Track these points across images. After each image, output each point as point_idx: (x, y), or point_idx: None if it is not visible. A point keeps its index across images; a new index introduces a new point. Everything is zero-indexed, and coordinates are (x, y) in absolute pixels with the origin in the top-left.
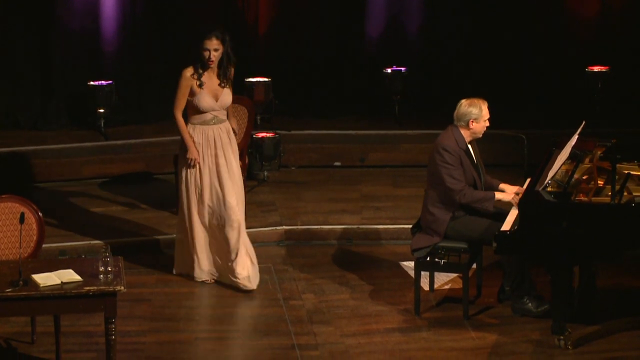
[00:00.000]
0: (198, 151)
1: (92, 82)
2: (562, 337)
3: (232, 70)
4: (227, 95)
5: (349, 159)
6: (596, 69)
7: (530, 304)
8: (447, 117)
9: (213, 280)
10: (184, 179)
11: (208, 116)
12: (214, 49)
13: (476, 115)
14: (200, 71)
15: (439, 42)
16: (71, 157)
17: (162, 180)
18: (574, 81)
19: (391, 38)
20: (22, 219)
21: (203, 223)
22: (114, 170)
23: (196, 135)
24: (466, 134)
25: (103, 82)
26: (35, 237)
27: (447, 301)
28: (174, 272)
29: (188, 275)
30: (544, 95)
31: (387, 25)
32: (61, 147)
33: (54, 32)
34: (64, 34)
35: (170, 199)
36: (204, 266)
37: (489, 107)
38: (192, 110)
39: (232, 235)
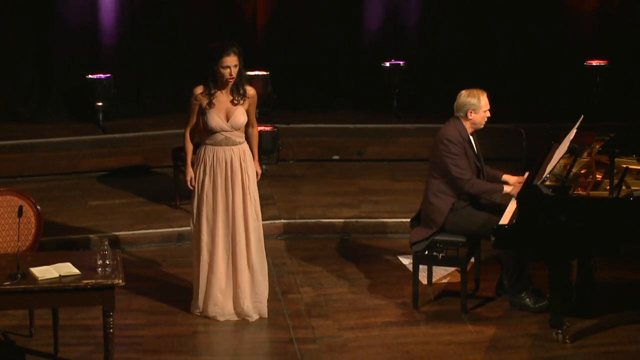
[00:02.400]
0: (207, 173)
1: (90, 76)
2: (560, 331)
3: (252, 91)
4: (239, 116)
5: (347, 153)
6: (595, 63)
7: (528, 300)
8: (445, 111)
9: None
10: (196, 206)
11: (219, 136)
12: (234, 65)
13: (474, 105)
14: (213, 91)
15: (438, 36)
16: (69, 150)
17: (160, 173)
18: (572, 75)
19: (390, 32)
20: (20, 212)
21: (214, 252)
22: (112, 164)
23: (207, 155)
24: (467, 125)
25: (101, 75)
26: (33, 231)
27: (445, 295)
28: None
29: (202, 314)
30: (543, 89)
31: (386, 19)
32: (59, 140)
33: (52, 26)
34: (62, 27)
35: (168, 192)
36: (214, 300)
37: (488, 99)
38: (204, 130)
39: (239, 266)
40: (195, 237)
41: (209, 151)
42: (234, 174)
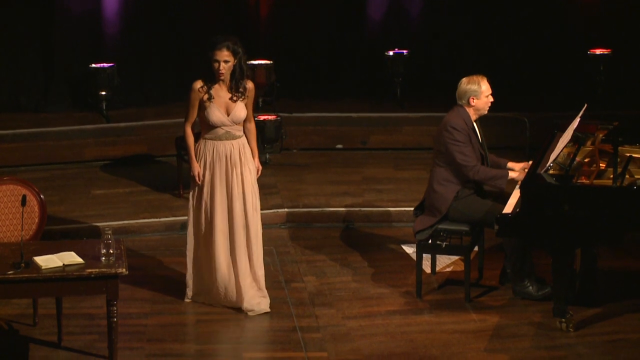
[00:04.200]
0: (207, 168)
1: (93, 65)
2: (563, 319)
3: (250, 85)
4: (239, 110)
5: (351, 142)
6: (598, 51)
7: (530, 288)
8: (448, 100)
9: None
10: (194, 198)
11: (220, 131)
12: (224, 60)
13: (475, 91)
14: (210, 84)
15: (441, 25)
16: (73, 139)
17: (163, 162)
18: (576, 64)
19: (393, 20)
20: (23, 201)
21: (212, 246)
22: (115, 153)
23: (207, 150)
24: (471, 112)
25: (105, 64)
26: (37, 220)
27: (449, 284)
28: (188, 296)
29: (203, 302)
30: (546, 78)
31: (389, 8)
32: (63, 129)
33: (56, 15)
34: (66, 16)
35: (171, 181)
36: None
37: (490, 85)
38: (204, 124)
39: (239, 260)
40: (194, 230)
41: (209, 145)
42: (233, 167)
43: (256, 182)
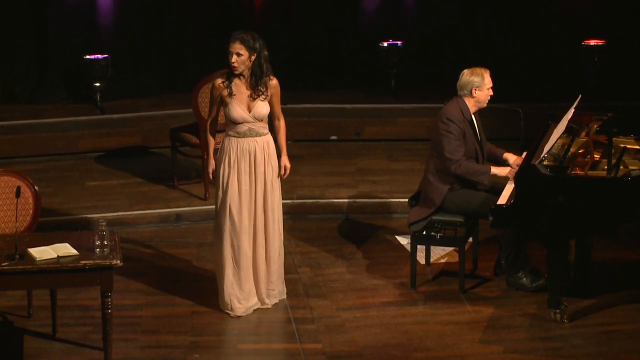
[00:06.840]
0: (231, 165)
1: (88, 56)
2: (558, 310)
3: (273, 82)
4: (261, 107)
5: (345, 133)
6: (592, 42)
7: (524, 279)
8: (443, 91)
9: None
10: (219, 199)
11: (243, 127)
12: (237, 52)
13: (478, 83)
14: (231, 80)
15: (436, 16)
16: (67, 131)
17: (158, 154)
18: (570, 55)
19: (387, 11)
20: (18, 193)
21: (236, 246)
22: (110, 144)
23: (231, 147)
24: (470, 104)
25: (99, 55)
26: (31, 211)
27: (443, 275)
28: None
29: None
30: (540, 68)
31: None
32: (57, 120)
33: (50, 6)
34: (60, 7)
35: (166, 172)
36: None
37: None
38: (227, 121)
39: (258, 257)
40: (218, 232)
41: (233, 142)
42: (257, 165)
43: (278, 180)
